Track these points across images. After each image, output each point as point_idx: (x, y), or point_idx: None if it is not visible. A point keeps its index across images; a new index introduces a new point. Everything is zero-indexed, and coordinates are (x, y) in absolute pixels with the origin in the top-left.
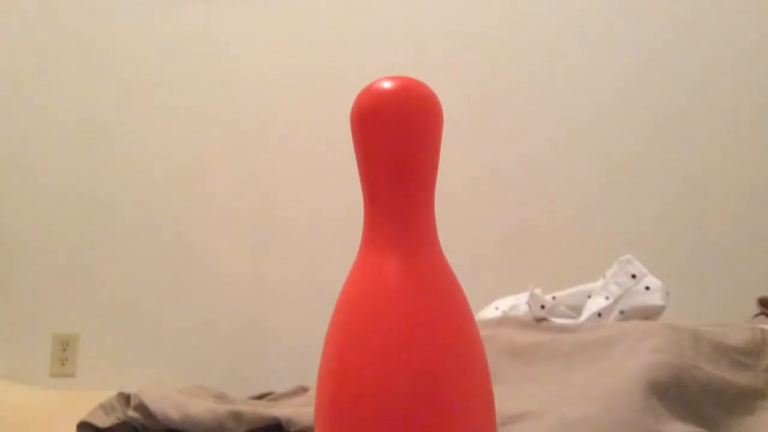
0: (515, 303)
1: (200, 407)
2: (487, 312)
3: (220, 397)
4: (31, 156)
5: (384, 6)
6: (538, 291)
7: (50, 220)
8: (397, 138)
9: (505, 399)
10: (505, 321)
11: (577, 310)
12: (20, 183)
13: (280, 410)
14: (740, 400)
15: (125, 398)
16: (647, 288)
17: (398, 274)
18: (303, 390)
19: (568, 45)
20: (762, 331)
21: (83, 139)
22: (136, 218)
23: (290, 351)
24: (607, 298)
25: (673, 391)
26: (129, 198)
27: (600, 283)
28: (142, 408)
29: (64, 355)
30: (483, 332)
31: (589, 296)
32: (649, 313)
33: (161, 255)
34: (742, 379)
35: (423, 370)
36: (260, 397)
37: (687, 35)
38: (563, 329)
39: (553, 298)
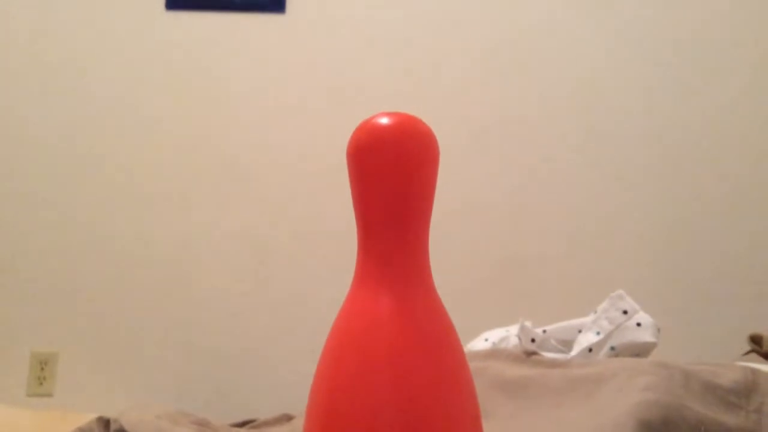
0: (505, 335)
1: None
2: (476, 344)
3: (202, 425)
4: (9, 170)
5: (380, 28)
6: (528, 324)
7: (29, 234)
8: (393, 175)
9: None
10: (494, 354)
11: (568, 344)
12: None
13: None
14: None
15: (105, 423)
16: (638, 324)
17: (391, 314)
18: (287, 418)
19: (560, 73)
20: (753, 371)
21: (63, 152)
22: (119, 233)
23: (276, 376)
24: (598, 333)
25: (662, 431)
26: (111, 212)
27: (591, 318)
28: None
29: (42, 374)
30: (472, 364)
31: (580, 331)
32: (640, 350)
33: (145, 272)
34: (732, 419)
35: (413, 412)
36: (242, 424)
37: (681, 71)
38: (553, 364)
39: (544, 331)
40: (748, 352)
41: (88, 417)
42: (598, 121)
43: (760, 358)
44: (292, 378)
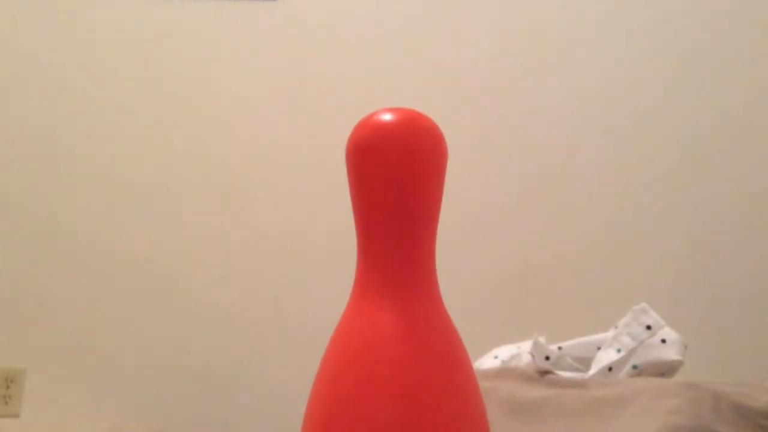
0: (517, 352)
1: None
2: (485, 361)
3: None
4: None
5: (380, 17)
6: (542, 339)
7: None
8: (397, 175)
9: None
10: (505, 372)
11: (586, 362)
12: None
13: None
14: None
15: None
16: (663, 341)
17: (394, 327)
18: None
19: (578, 66)
20: None
21: (33, 153)
22: (93, 241)
23: (267, 394)
24: (618, 350)
25: None
26: (84, 218)
27: (611, 333)
28: None
29: (7, 392)
30: (481, 384)
31: (599, 348)
32: (665, 369)
33: (121, 283)
34: None
35: None
36: None
37: (701, 69)
38: (570, 384)
39: (559, 348)
40: None
41: None
42: (618, 119)
43: None
44: (285, 396)
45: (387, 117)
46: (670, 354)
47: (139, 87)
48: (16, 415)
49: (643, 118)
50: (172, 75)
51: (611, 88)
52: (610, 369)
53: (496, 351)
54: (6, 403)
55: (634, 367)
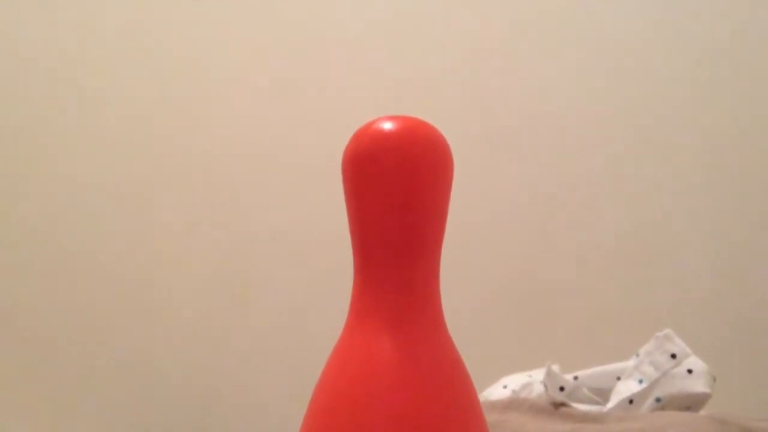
0: (528, 381)
1: None
2: (493, 391)
3: None
4: None
5: (384, 18)
6: (555, 368)
7: None
8: (398, 190)
9: None
10: (515, 404)
11: (604, 394)
12: None
13: None
14: None
15: None
16: (690, 371)
17: (393, 356)
18: None
19: (595, 62)
20: None
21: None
22: (66, 249)
23: (255, 421)
24: (640, 381)
25: None
26: (58, 224)
27: (632, 362)
28: None
29: None
30: (488, 417)
31: (619, 378)
32: (691, 402)
33: (96, 293)
34: None
35: None
36: None
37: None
38: (586, 418)
39: (575, 378)
40: None
41: None
42: (640, 124)
43: None
44: (273, 424)
45: (387, 125)
46: (697, 386)
47: (120, 83)
48: None
49: (668, 122)
50: (156, 71)
51: (632, 89)
52: (630, 401)
53: (505, 380)
54: None
55: (658, 399)
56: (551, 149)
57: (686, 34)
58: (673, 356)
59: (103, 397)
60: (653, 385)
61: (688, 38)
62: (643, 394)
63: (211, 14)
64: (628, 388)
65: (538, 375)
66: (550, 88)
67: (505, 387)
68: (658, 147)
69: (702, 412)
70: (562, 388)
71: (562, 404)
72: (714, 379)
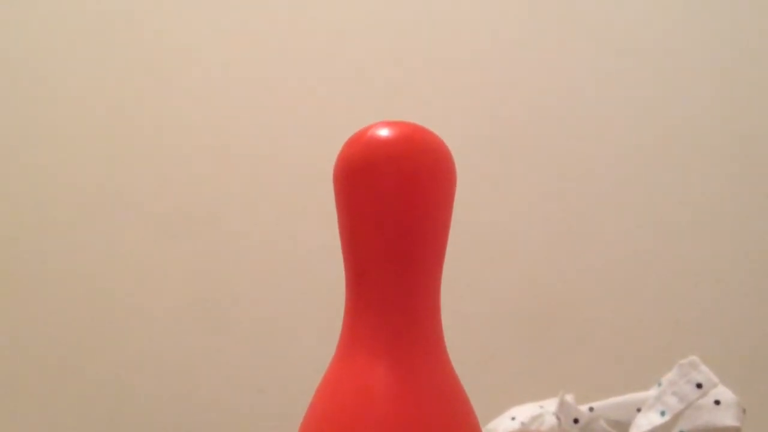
0: (539, 413)
1: None
2: (501, 423)
3: None
4: None
5: (381, 16)
6: (569, 398)
7: None
8: (396, 203)
9: None
10: None
11: (623, 427)
12: None
13: None
14: None
15: None
16: (717, 402)
17: (388, 387)
18: None
19: (612, 57)
20: None
21: None
22: (25, 262)
23: None
24: (662, 413)
25: None
26: (18, 236)
27: (654, 392)
28: None
29: None
30: None
31: (639, 409)
32: None
33: (60, 316)
34: None
35: None
36: None
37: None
38: None
39: (591, 409)
40: None
41: None
42: (664, 124)
43: None
44: None
45: (383, 132)
46: (725, 419)
47: (90, 83)
48: None
49: (695, 126)
50: (132, 74)
51: (660, 82)
52: None
53: (513, 411)
54: None
55: None
56: (565, 154)
57: (716, 30)
58: (699, 386)
59: (70, 424)
60: (677, 417)
61: (718, 34)
62: (665, 427)
63: (195, 14)
64: (649, 420)
65: (550, 405)
66: (562, 88)
67: (513, 419)
68: (685, 153)
69: None
70: (576, 420)
71: None
72: (744, 412)
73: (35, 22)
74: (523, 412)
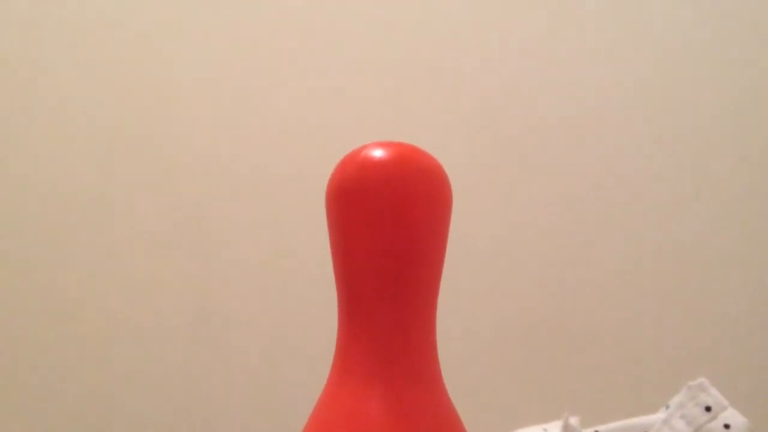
0: None
1: None
2: None
3: None
4: None
5: (377, 29)
6: (574, 421)
7: None
8: (389, 226)
9: None
10: None
11: None
12: None
13: None
14: None
15: None
16: (726, 426)
17: (382, 417)
18: None
19: (611, 89)
20: None
21: None
22: (10, 275)
23: None
24: None
25: None
26: (7, 248)
27: (661, 415)
28: None
29: None
30: None
31: None
32: None
33: (47, 334)
34: None
35: None
36: None
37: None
38: None
39: None
40: None
41: None
42: (670, 135)
43: None
44: None
45: (377, 153)
46: None
47: (82, 92)
48: None
49: (700, 140)
50: (125, 82)
51: (673, 90)
52: None
53: None
54: None
55: None
56: (568, 172)
57: (730, 41)
58: (708, 409)
59: None
60: None
61: (731, 46)
62: None
63: (187, 23)
64: None
65: (554, 428)
66: (567, 98)
67: None
68: (692, 166)
69: None
70: None
71: None
72: None
73: (25, 31)
74: None
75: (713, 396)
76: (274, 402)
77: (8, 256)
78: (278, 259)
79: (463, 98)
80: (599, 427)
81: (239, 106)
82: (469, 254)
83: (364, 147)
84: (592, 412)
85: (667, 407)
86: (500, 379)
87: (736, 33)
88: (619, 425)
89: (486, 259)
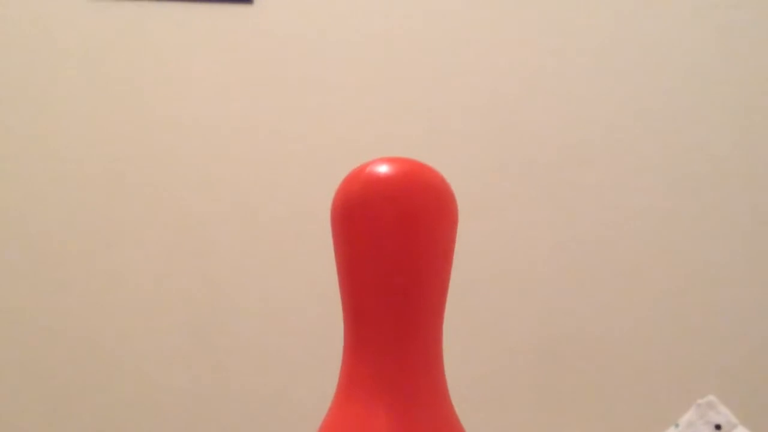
0: None
1: None
2: None
3: None
4: None
5: (371, 26)
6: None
7: None
8: (395, 243)
9: None
10: None
11: None
12: None
13: None
14: None
15: None
16: None
17: None
18: None
19: (617, 105)
20: None
21: None
22: (19, 300)
23: None
24: None
25: None
26: (8, 273)
27: None
28: None
29: None
30: None
31: None
32: None
33: (43, 354)
34: None
35: None
36: None
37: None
38: None
39: None
40: None
41: None
42: (684, 157)
43: None
44: None
45: (382, 169)
46: None
47: (87, 119)
48: None
49: (715, 157)
50: (127, 108)
51: (672, 122)
52: None
53: None
54: None
55: None
56: (577, 190)
57: (746, 59)
58: (718, 427)
59: None
60: None
61: (748, 64)
62: None
63: (187, 44)
64: None
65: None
66: (576, 120)
67: None
68: (703, 189)
69: None
70: None
71: None
72: None
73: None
74: None
75: (723, 414)
76: (280, 422)
77: (22, 282)
78: (284, 277)
79: (471, 115)
80: None
81: (243, 125)
82: (475, 271)
83: (368, 163)
84: (602, 430)
85: (677, 425)
86: (507, 396)
87: (742, 48)
88: None
89: (493, 276)
